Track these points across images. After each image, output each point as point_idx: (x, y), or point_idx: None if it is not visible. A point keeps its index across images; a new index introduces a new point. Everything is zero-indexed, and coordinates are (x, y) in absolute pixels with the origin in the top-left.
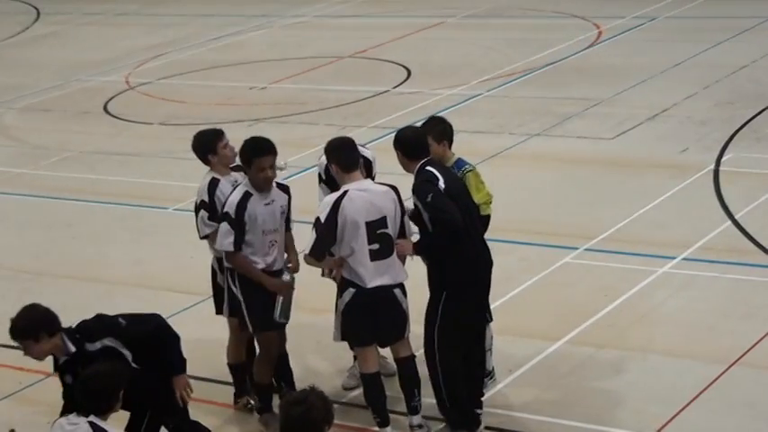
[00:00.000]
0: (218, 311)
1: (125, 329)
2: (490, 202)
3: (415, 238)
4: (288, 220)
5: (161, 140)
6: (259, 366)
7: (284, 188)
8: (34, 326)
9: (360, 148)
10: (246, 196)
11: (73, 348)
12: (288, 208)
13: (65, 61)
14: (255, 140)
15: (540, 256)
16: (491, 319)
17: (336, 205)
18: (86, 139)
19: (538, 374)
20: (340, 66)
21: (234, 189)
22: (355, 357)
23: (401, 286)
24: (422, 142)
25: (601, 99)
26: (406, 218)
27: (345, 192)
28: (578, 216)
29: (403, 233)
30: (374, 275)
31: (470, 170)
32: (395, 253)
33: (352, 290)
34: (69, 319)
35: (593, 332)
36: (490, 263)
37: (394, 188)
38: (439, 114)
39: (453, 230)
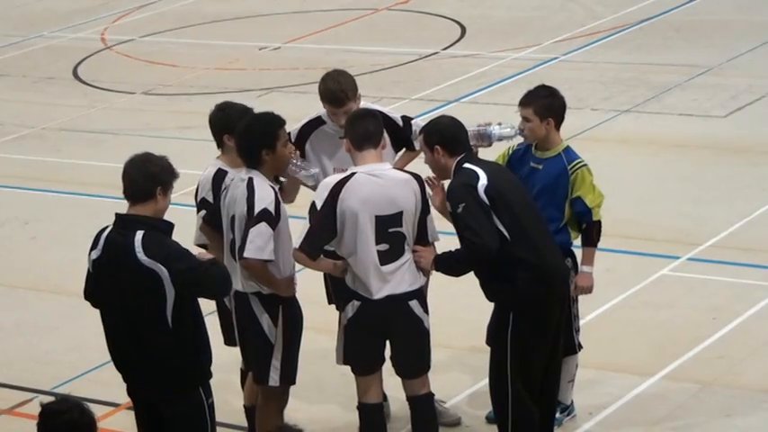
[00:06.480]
0: (229, 342)
1: None
2: (601, 205)
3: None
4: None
5: (145, 114)
6: (268, 415)
7: None
8: None
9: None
10: (274, 190)
11: None
12: None
13: (23, 12)
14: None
15: (630, 267)
16: (580, 348)
17: (337, 190)
18: (50, 112)
19: (626, 419)
20: (375, 20)
21: (252, 181)
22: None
23: (419, 296)
24: (463, 132)
25: (710, 66)
26: (430, 218)
27: (352, 174)
28: (679, 216)
29: (424, 238)
30: (383, 283)
31: (583, 165)
32: (408, 254)
33: (356, 302)
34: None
35: (697, 365)
36: (562, 272)
37: (418, 178)
38: (547, 84)
39: (481, 258)
